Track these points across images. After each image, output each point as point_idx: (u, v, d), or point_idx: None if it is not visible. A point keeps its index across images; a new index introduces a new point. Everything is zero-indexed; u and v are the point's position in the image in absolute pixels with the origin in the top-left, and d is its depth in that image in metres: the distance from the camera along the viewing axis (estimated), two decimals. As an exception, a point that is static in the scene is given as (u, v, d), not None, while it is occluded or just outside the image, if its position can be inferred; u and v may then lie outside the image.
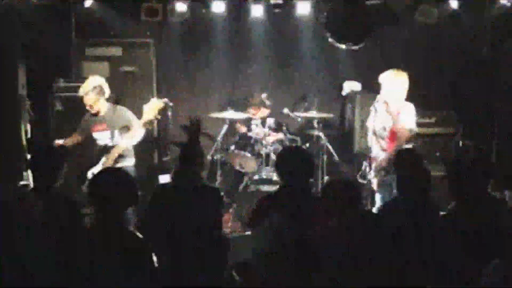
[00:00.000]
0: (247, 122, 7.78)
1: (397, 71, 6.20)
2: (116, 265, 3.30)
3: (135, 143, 6.41)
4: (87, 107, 6.37)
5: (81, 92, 6.34)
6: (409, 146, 5.98)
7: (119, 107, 6.52)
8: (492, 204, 4.10)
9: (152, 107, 6.30)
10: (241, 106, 7.92)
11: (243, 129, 7.84)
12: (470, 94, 8.09)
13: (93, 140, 6.44)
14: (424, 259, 3.83)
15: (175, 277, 4.24)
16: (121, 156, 6.30)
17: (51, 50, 7.53)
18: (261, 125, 7.58)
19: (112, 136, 6.34)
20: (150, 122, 6.43)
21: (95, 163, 6.32)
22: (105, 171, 4.30)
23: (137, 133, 6.33)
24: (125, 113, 6.45)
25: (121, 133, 6.32)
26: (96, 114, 6.40)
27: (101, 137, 6.39)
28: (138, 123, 6.31)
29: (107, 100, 6.43)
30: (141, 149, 6.72)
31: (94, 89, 6.29)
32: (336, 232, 3.45)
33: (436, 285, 3.75)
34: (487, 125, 7.83)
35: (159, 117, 6.42)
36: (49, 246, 3.34)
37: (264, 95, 7.85)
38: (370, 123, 6.23)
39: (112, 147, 6.28)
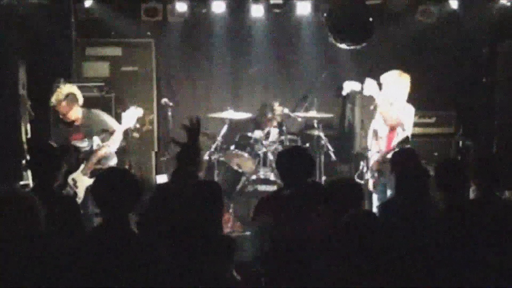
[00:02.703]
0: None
1: (401, 72, 6.19)
2: (118, 266, 3.30)
3: (115, 148, 6.30)
4: (61, 116, 6.22)
5: (54, 101, 6.17)
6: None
7: (93, 111, 6.38)
8: (494, 203, 4.10)
9: (131, 115, 6.24)
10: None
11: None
12: (470, 94, 8.09)
13: (74, 147, 6.26)
14: (423, 258, 3.83)
15: (176, 277, 4.24)
16: (103, 158, 6.22)
17: (51, 50, 7.53)
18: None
19: (91, 143, 6.21)
20: (129, 130, 6.34)
21: (75, 169, 6.18)
22: (108, 171, 4.29)
23: (118, 138, 6.23)
24: (100, 116, 6.35)
25: (102, 139, 6.20)
26: (71, 124, 6.26)
27: (81, 144, 6.25)
28: (117, 124, 6.24)
29: (81, 106, 6.29)
30: (140, 149, 6.70)
31: (67, 97, 6.14)
32: (333, 231, 3.45)
33: (436, 285, 3.75)
34: (487, 125, 7.83)
35: (138, 125, 6.35)
36: (49, 246, 3.33)
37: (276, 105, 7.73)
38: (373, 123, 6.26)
39: (95, 151, 6.18)
